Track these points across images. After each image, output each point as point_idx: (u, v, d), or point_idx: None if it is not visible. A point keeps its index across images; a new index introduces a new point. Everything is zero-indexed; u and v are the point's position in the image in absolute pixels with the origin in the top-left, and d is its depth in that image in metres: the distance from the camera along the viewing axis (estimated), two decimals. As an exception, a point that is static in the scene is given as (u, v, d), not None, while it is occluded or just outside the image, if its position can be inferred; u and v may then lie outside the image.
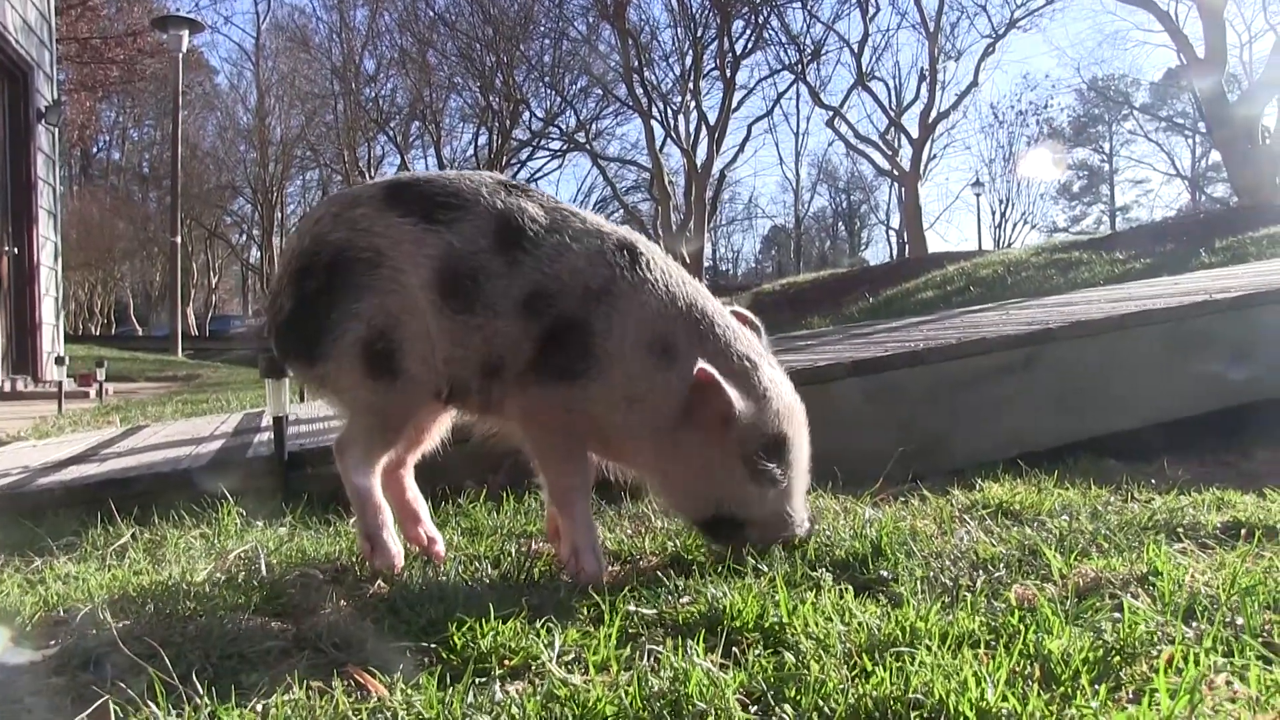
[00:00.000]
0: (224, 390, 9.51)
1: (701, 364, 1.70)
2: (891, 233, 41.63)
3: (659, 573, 1.74)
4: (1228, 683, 1.19)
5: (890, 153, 29.04)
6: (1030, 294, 11.59)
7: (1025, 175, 40.32)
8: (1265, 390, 3.20)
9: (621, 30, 27.07)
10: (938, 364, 3.06)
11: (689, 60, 28.24)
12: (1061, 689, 1.19)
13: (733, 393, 1.71)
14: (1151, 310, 3.32)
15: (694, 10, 27.78)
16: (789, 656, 1.31)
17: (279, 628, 1.57)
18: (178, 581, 1.81)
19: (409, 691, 1.26)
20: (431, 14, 29.96)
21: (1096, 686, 1.18)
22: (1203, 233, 13.73)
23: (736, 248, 51.94)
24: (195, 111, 34.20)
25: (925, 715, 1.14)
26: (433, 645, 1.43)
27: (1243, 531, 1.87)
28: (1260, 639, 1.30)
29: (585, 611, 1.58)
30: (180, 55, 18.24)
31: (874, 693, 1.18)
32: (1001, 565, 1.73)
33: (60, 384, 7.74)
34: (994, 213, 41.65)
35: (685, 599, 1.61)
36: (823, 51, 28.49)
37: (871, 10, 27.37)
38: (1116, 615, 1.40)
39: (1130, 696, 1.19)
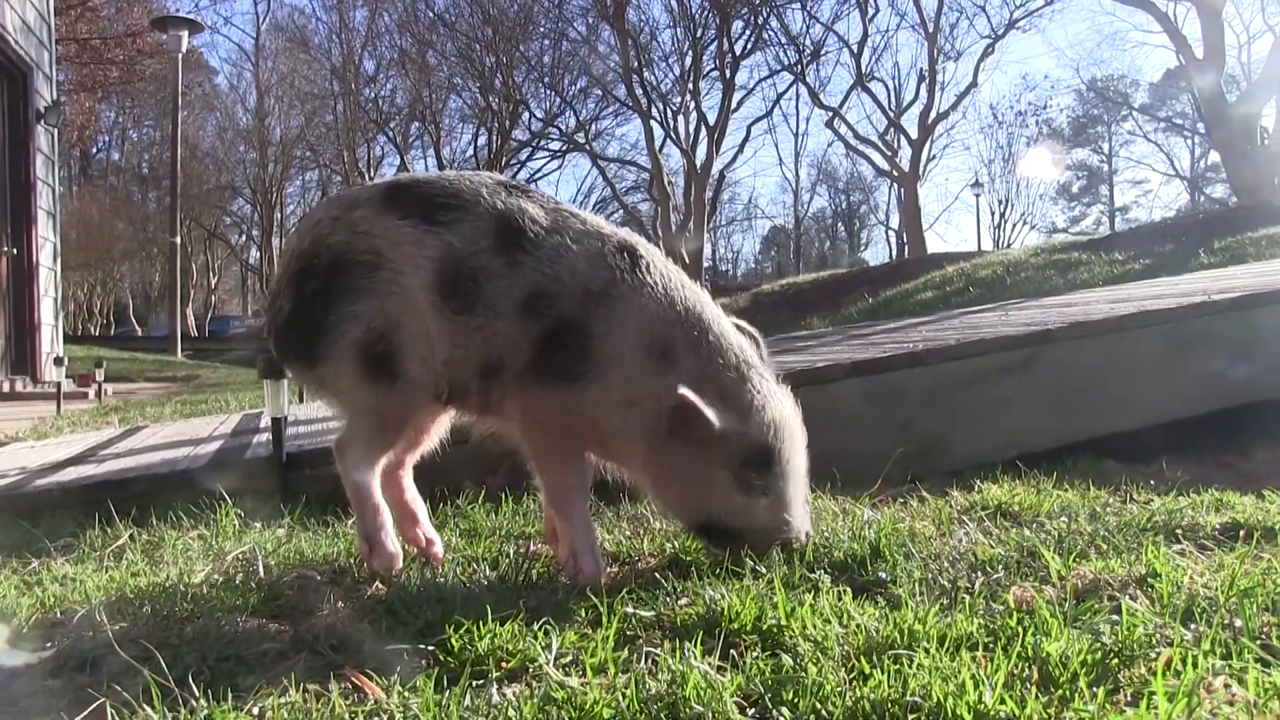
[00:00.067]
0: (223, 391, 9.49)
1: (681, 389, 1.68)
2: (891, 233, 41.70)
3: (657, 574, 1.74)
4: (1226, 685, 1.19)
5: (890, 153, 29.02)
6: (1029, 295, 11.56)
7: (1024, 176, 40.42)
8: (1264, 391, 3.20)
9: (621, 31, 27.06)
10: (937, 365, 3.06)
11: (688, 61, 28.25)
12: (1060, 691, 1.19)
13: (710, 413, 1.69)
14: (1151, 311, 3.32)
15: (693, 11, 27.83)
16: (787, 659, 1.31)
17: (276, 629, 1.57)
18: (175, 583, 1.81)
19: (406, 694, 1.26)
20: (431, 14, 30.01)
21: (1095, 689, 1.17)
22: (1202, 233, 13.71)
23: (736, 248, 51.96)
24: (195, 112, 34.22)
25: (923, 718, 1.14)
26: (430, 647, 1.42)
27: (1241, 533, 1.87)
28: (1259, 641, 1.30)
29: (583, 613, 1.58)
30: (180, 56, 18.24)
31: (872, 695, 1.18)
32: (1000, 567, 1.73)
33: (59, 384, 7.71)
34: (993, 213, 41.67)
35: (683, 601, 1.61)
36: (822, 52, 28.57)
37: (871, 11, 27.44)
38: (1115, 617, 1.39)
39: (1128, 699, 1.19)
